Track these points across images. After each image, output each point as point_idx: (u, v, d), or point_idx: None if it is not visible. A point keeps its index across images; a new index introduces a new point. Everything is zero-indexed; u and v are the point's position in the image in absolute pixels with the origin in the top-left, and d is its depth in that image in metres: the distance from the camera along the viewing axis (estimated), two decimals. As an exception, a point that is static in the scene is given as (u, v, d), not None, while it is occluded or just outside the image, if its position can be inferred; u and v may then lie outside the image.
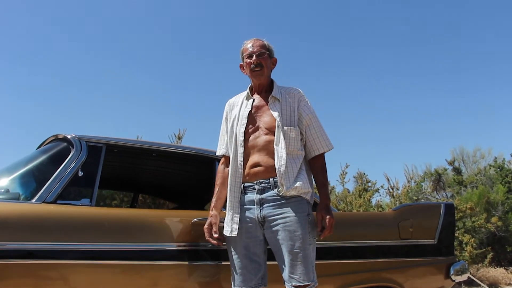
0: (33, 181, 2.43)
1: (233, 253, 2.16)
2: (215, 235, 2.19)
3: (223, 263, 2.36)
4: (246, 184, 2.17)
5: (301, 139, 2.24)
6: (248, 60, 2.26)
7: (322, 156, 2.27)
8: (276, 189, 2.11)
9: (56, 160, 2.37)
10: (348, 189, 9.94)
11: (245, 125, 2.22)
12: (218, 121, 2.45)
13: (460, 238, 8.60)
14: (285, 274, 2.07)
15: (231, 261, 2.18)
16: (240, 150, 2.20)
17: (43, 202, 2.14)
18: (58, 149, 2.47)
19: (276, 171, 2.10)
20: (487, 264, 8.71)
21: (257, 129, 2.22)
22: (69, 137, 2.42)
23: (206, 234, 2.21)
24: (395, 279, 3.10)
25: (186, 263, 2.30)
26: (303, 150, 2.24)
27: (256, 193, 2.14)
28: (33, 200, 2.13)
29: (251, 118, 2.24)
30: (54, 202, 2.16)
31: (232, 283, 2.17)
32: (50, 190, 2.18)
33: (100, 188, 4.43)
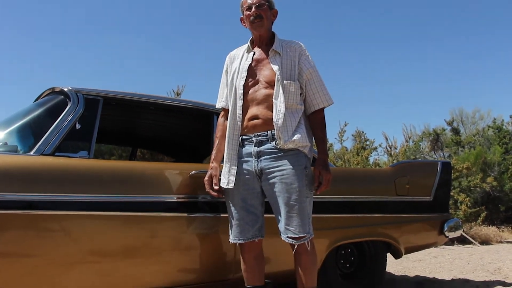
0: (31, 134, 2.43)
1: (230, 205, 2.19)
2: (216, 187, 2.21)
3: (222, 215, 2.39)
4: (244, 137, 2.17)
5: (300, 94, 2.22)
6: (248, 12, 2.21)
7: (321, 111, 2.25)
8: (274, 142, 2.11)
9: (53, 113, 2.35)
10: (346, 147, 9.98)
11: (245, 78, 2.20)
12: (217, 77, 2.42)
13: (455, 197, 8.72)
14: (281, 226, 2.10)
15: (229, 212, 2.21)
16: (239, 103, 2.18)
17: (41, 154, 2.13)
18: (55, 102, 2.45)
19: (274, 124, 2.10)
20: (480, 223, 8.88)
21: (256, 82, 2.20)
22: (65, 89, 2.39)
23: (207, 186, 2.23)
24: (390, 234, 3.16)
25: (185, 215, 2.33)
26: (302, 104, 2.22)
27: (254, 146, 2.14)
28: (31, 153, 2.13)
29: (251, 71, 2.21)
30: (52, 154, 2.16)
31: (230, 234, 2.21)
32: (48, 143, 2.17)
33: (98, 143, 4.44)
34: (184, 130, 3.47)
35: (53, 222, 2.01)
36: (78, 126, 2.28)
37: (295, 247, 2.08)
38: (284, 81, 2.14)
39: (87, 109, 2.34)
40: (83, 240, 2.06)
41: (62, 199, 2.04)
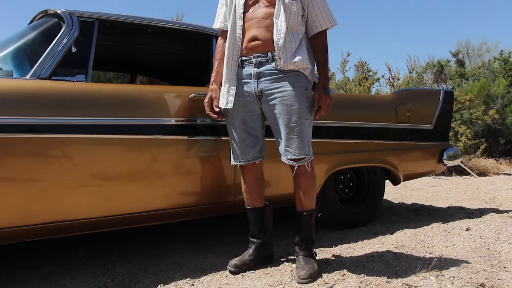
0: (26, 58, 2.37)
1: (231, 127, 2.18)
2: (216, 109, 2.19)
3: (222, 138, 2.40)
4: (243, 58, 2.12)
5: (302, 15, 2.14)
6: None
7: (324, 33, 2.18)
8: (274, 63, 2.07)
9: (47, 36, 2.28)
10: (348, 78, 9.88)
11: None
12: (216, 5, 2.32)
13: (456, 129, 8.75)
14: (281, 148, 2.10)
15: (230, 135, 2.21)
16: (239, 22, 2.11)
17: (38, 78, 2.10)
18: (49, 25, 2.37)
19: (274, 44, 2.04)
20: (479, 155, 8.98)
21: (257, 1, 2.11)
22: (59, 12, 2.31)
23: (207, 108, 2.21)
24: (389, 161, 3.19)
25: (185, 138, 2.33)
26: (304, 26, 2.15)
27: (254, 67, 2.10)
28: (27, 77, 2.09)
29: None
30: (49, 78, 2.12)
31: (231, 156, 2.22)
32: (44, 66, 2.13)
33: (96, 69, 4.39)
34: (184, 54, 3.40)
35: (53, 145, 2.01)
36: (74, 49, 2.22)
37: (295, 168, 2.09)
38: (286, 0, 2.06)
39: (82, 32, 2.27)
40: (83, 163, 2.06)
41: (62, 123, 2.02)
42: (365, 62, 9.94)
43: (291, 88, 2.04)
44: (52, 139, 2.00)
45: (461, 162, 7.77)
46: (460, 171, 7.97)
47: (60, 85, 2.12)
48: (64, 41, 2.21)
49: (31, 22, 2.71)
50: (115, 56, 3.46)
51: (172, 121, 2.31)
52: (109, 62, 3.67)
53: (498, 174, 8.53)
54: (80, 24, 2.28)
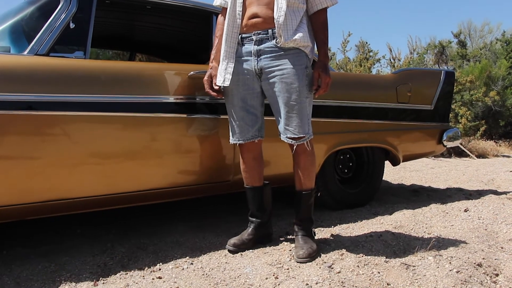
0: (23, 34, 2.34)
1: (230, 105, 2.16)
2: (215, 87, 2.17)
3: (221, 116, 2.38)
4: (243, 35, 2.09)
5: None
6: None
7: (324, 11, 2.15)
8: (274, 40, 2.04)
9: (45, 12, 2.24)
10: (348, 58, 9.81)
11: None
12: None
13: (456, 111, 8.73)
14: (281, 126, 2.09)
15: (229, 113, 2.19)
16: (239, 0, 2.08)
17: (36, 54, 2.07)
18: (46, 0, 2.33)
19: (275, 21, 2.01)
20: (479, 137, 8.98)
21: None
22: None
23: (206, 86, 2.19)
24: (389, 141, 3.18)
25: (185, 116, 2.31)
26: (304, 4, 2.11)
27: (254, 44, 2.07)
28: (25, 53, 2.06)
29: None
30: (47, 54, 2.09)
31: (230, 134, 2.21)
32: (42, 42, 2.09)
33: (95, 47, 4.33)
34: (183, 32, 3.35)
35: (51, 122, 1.99)
36: (72, 25, 2.19)
37: (294, 147, 2.09)
38: None
39: (80, 8, 2.23)
40: (81, 141, 2.05)
41: (59, 100, 2.00)
42: (366, 43, 9.86)
43: (291, 66, 2.02)
44: (50, 116, 1.98)
45: (461, 143, 7.77)
46: (459, 153, 7.98)
47: (58, 61, 2.09)
48: (62, 17, 2.17)
49: (27, -3, 2.66)
50: (114, 33, 3.41)
51: (172, 99, 2.29)
52: (108, 40, 3.62)
53: (497, 156, 8.54)
54: (78, 0, 2.24)
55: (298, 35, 2.02)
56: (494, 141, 9.68)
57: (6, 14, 2.51)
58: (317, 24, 2.14)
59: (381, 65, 9.94)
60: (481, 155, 8.27)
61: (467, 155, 7.98)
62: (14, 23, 2.39)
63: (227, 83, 2.09)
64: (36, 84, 1.96)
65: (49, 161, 1.98)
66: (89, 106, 2.06)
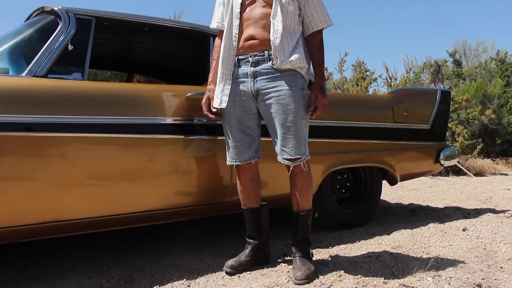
0: (21, 55, 2.35)
1: (227, 126, 2.17)
2: (213, 110, 2.18)
3: (218, 137, 2.39)
4: (240, 57, 2.11)
5: (299, 15, 2.13)
6: None
7: (320, 33, 2.18)
8: (271, 62, 2.06)
9: (43, 33, 2.27)
10: (345, 77, 9.89)
11: None
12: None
13: (453, 129, 8.77)
14: (277, 147, 2.09)
15: (226, 134, 2.19)
16: (236, 22, 2.10)
17: (34, 76, 2.08)
18: (45, 22, 2.36)
19: (271, 43, 2.03)
20: (476, 155, 9.00)
21: (254, 1, 2.11)
22: (56, 9, 2.29)
23: (204, 108, 2.20)
24: (386, 161, 3.19)
25: (182, 137, 2.32)
26: (300, 26, 2.14)
27: (250, 66, 2.09)
28: (23, 74, 2.08)
29: None
30: (45, 76, 2.10)
31: (227, 155, 2.20)
32: (40, 64, 2.11)
33: (92, 68, 4.36)
34: (181, 53, 3.38)
35: (48, 144, 1.99)
36: (70, 47, 2.21)
37: (291, 168, 2.08)
38: (283, 0, 2.05)
39: (79, 29, 2.25)
40: (79, 162, 2.05)
41: (57, 121, 2.01)
42: (363, 62, 9.96)
43: (288, 88, 2.03)
44: (48, 137, 1.98)
45: (458, 162, 7.78)
46: (457, 171, 7.99)
47: (56, 83, 2.10)
48: (61, 38, 2.19)
49: (27, 19, 2.69)
50: (112, 54, 3.44)
51: (169, 120, 2.30)
52: (106, 60, 3.65)
53: (494, 174, 8.55)
54: (77, 22, 2.26)
55: (294, 57, 2.04)
56: (491, 159, 9.70)
57: (5, 36, 2.53)
58: (313, 45, 2.16)
59: (377, 85, 10.02)
60: (479, 173, 8.28)
61: (464, 173, 7.98)
62: (14, 45, 2.41)
63: (224, 105, 2.10)
64: (34, 106, 1.97)
65: (45, 182, 1.98)
66: (86, 128, 2.07)
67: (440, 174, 7.68)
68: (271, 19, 2.05)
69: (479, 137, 9.87)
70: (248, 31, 2.09)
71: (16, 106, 1.93)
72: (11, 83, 2.00)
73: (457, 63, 13.69)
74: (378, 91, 9.61)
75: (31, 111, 1.95)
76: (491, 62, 14.17)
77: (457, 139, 8.56)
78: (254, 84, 2.08)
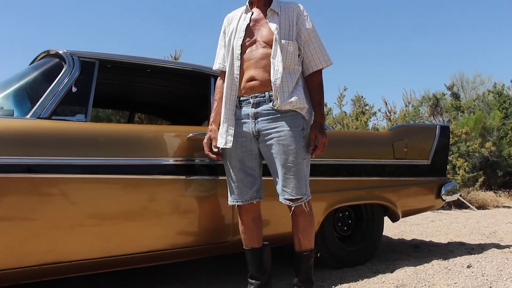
0: (27, 97, 2.40)
1: (229, 166, 2.19)
2: (215, 150, 2.20)
3: (220, 177, 2.40)
4: (241, 98, 2.16)
5: (299, 55, 2.18)
6: None
7: (319, 73, 2.22)
8: (271, 103, 2.09)
9: (48, 76, 2.32)
10: (345, 112, 9.97)
11: (243, 38, 2.16)
12: (216, 41, 2.38)
13: (454, 162, 8.76)
14: (279, 188, 2.11)
15: (227, 174, 2.21)
16: (237, 63, 2.15)
17: (38, 118, 2.12)
18: (50, 65, 2.41)
19: (272, 84, 2.07)
20: (478, 188, 8.95)
21: (254, 42, 2.16)
22: (61, 52, 2.35)
23: (206, 148, 2.22)
24: (388, 198, 3.18)
25: (183, 177, 2.34)
26: (300, 65, 2.19)
27: (251, 107, 2.12)
28: (28, 116, 2.12)
29: (249, 31, 2.17)
30: (49, 118, 2.14)
31: (229, 196, 2.22)
32: (45, 106, 2.15)
33: (96, 107, 4.43)
34: (182, 93, 3.44)
35: (52, 185, 2.01)
36: (74, 89, 2.25)
37: (292, 208, 2.09)
38: (282, 41, 2.11)
39: (83, 72, 2.31)
40: (82, 203, 2.06)
41: (60, 163, 2.03)
42: (362, 96, 10.06)
43: (288, 128, 2.06)
44: (51, 179, 2.00)
45: (460, 195, 7.74)
46: (459, 204, 7.94)
47: (59, 125, 2.14)
48: (65, 81, 2.24)
49: (33, 62, 2.75)
50: (115, 94, 3.50)
51: (171, 161, 2.32)
52: (109, 100, 3.70)
53: (497, 207, 8.48)
54: (81, 64, 2.32)
55: (294, 98, 2.08)
56: (494, 192, 9.64)
57: (11, 78, 2.58)
58: (313, 85, 2.21)
59: (377, 119, 10.10)
60: (481, 206, 8.21)
61: (467, 207, 7.93)
62: (19, 87, 2.46)
63: (229, 145, 2.13)
64: (38, 147, 2.00)
65: (47, 223, 1.98)
66: (89, 169, 2.09)
67: (442, 207, 7.61)
68: (271, 59, 2.10)
69: (480, 169, 9.85)
70: (249, 72, 2.14)
71: (20, 148, 1.96)
72: (16, 125, 2.04)
73: (455, 96, 13.84)
74: (377, 125, 9.68)
75: (35, 153, 1.99)
76: (488, 94, 14.30)
77: (458, 172, 8.54)
78: (255, 125, 2.11)
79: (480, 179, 9.01)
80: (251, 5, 2.26)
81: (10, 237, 1.91)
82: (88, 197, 2.08)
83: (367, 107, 9.86)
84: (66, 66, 2.28)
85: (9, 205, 1.91)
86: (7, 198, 1.91)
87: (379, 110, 10.14)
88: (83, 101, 2.29)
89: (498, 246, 3.68)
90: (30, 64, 2.76)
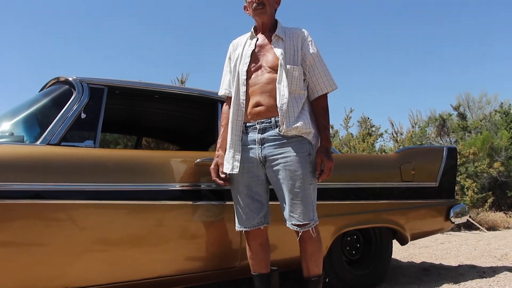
0: (37, 124, 2.44)
1: (236, 192, 2.19)
2: (222, 175, 2.21)
3: (227, 203, 2.40)
4: (248, 124, 2.17)
5: (304, 80, 2.21)
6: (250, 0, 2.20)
7: (325, 97, 2.24)
8: (277, 129, 2.11)
9: (58, 102, 2.36)
10: (351, 134, 9.96)
11: (248, 63, 2.19)
12: (221, 67, 2.41)
13: (462, 183, 8.69)
14: (286, 213, 2.10)
15: (234, 200, 2.21)
16: (242, 89, 2.18)
17: (48, 144, 2.15)
18: (60, 91, 2.46)
19: (278, 109, 2.09)
20: (487, 209, 8.85)
21: (259, 67, 2.19)
22: (70, 79, 2.40)
23: (213, 174, 2.23)
24: (396, 221, 3.16)
25: (191, 203, 2.34)
26: (305, 90, 2.21)
27: (258, 133, 2.14)
28: (38, 143, 2.15)
29: (254, 57, 2.20)
30: (58, 144, 2.17)
31: (236, 221, 2.22)
32: (54, 132, 2.18)
33: (104, 132, 4.45)
34: (189, 118, 3.47)
35: (60, 211, 2.03)
36: (83, 115, 2.29)
37: (300, 233, 2.08)
38: (287, 66, 2.13)
39: (92, 98, 2.35)
40: (90, 229, 2.08)
41: (69, 189, 2.05)
42: (368, 118, 10.07)
43: (295, 154, 2.07)
44: (60, 205, 2.02)
45: (469, 216, 7.65)
46: (469, 226, 7.84)
47: (68, 151, 2.17)
48: (74, 107, 2.27)
49: (42, 88, 2.79)
50: (123, 119, 3.54)
51: (179, 186, 2.33)
52: (117, 125, 3.74)
53: (508, 228, 8.36)
54: (90, 91, 2.35)
55: (300, 123, 2.09)
56: (504, 212, 9.52)
57: (22, 105, 2.62)
58: (318, 109, 2.22)
59: (383, 140, 10.05)
60: (492, 228, 8.10)
61: (477, 228, 7.83)
62: (29, 114, 2.50)
63: (236, 171, 2.13)
64: (47, 174, 2.03)
65: (55, 249, 2.00)
66: (97, 195, 2.11)
67: (451, 229, 7.52)
68: (277, 84, 2.12)
69: (489, 190, 9.75)
70: (255, 98, 2.16)
71: (30, 174, 1.99)
72: (25, 151, 2.07)
73: (462, 116, 13.81)
74: (384, 146, 9.65)
75: (45, 179, 2.01)
76: (495, 114, 14.26)
77: (466, 193, 8.46)
78: (261, 151, 2.12)
79: (490, 200, 8.91)
80: (256, 31, 2.29)
81: (18, 263, 1.92)
82: (97, 223, 2.09)
83: (373, 129, 9.85)
84: (75, 93, 2.32)
85: (19, 231, 1.93)
86: (16, 223, 1.93)
87: (386, 131, 10.12)
88: (92, 127, 2.32)
89: (510, 269, 3.62)
90: (40, 91, 2.81)
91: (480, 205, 8.75)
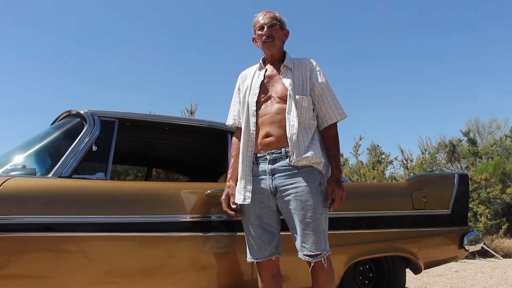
0: (48, 156, 2.47)
1: (247, 223, 2.19)
2: (233, 206, 2.21)
3: (238, 234, 2.39)
4: (258, 155, 2.18)
5: (313, 109, 2.22)
6: (260, 32, 2.25)
7: (334, 126, 2.25)
8: (288, 159, 2.11)
9: (70, 135, 2.39)
10: (361, 161, 9.91)
11: (257, 94, 2.21)
12: (230, 94, 2.44)
13: (474, 209, 8.56)
14: (297, 244, 2.09)
15: (246, 231, 2.20)
16: (252, 119, 2.19)
17: (59, 176, 2.17)
18: (72, 124, 2.50)
19: (288, 140, 2.10)
20: (502, 235, 8.67)
21: (269, 98, 2.21)
22: (82, 112, 2.44)
23: (224, 205, 2.23)
24: (408, 249, 3.11)
25: (202, 234, 2.34)
26: (315, 119, 2.22)
27: (268, 163, 2.14)
28: (49, 175, 2.17)
29: (263, 88, 2.23)
30: (69, 176, 2.20)
31: (248, 252, 2.20)
32: (66, 165, 2.21)
33: (114, 163, 4.49)
34: (199, 149, 3.49)
35: (71, 244, 2.03)
36: (94, 148, 2.32)
37: (312, 264, 2.06)
38: (297, 96, 2.15)
39: (103, 131, 2.38)
40: (101, 261, 2.08)
41: (80, 221, 2.07)
42: (378, 145, 10.03)
43: (305, 184, 2.07)
44: (71, 237, 2.03)
45: (484, 243, 7.50)
46: (483, 253, 7.68)
47: (80, 183, 2.19)
48: (86, 140, 2.31)
49: (54, 121, 2.84)
50: (134, 151, 3.57)
51: (189, 218, 2.33)
52: (128, 157, 3.77)
53: (524, 255, 8.18)
54: (101, 124, 2.39)
55: (310, 153, 2.09)
56: (519, 239, 9.32)
57: (34, 138, 2.67)
58: (328, 138, 2.23)
59: (394, 167, 9.98)
60: (507, 255, 7.92)
61: (492, 255, 7.66)
62: (41, 147, 2.54)
63: (247, 201, 2.13)
64: (59, 206, 2.05)
65: (66, 281, 2.00)
66: (108, 227, 2.12)
67: (466, 257, 7.37)
68: (286, 115, 2.14)
69: (502, 216, 9.57)
70: (264, 129, 2.17)
71: (42, 207, 2.01)
72: (37, 184, 2.09)
73: (472, 142, 13.71)
74: (395, 173, 9.58)
75: (56, 212, 2.03)
76: (506, 139, 14.16)
77: (480, 220, 8.32)
78: (272, 181, 2.12)
79: (504, 226, 8.74)
80: (265, 62, 2.33)
81: None
82: (108, 255, 2.10)
83: (383, 156, 9.80)
84: (87, 126, 2.36)
85: (30, 264, 1.94)
86: (28, 256, 1.94)
87: (396, 159, 10.05)
88: (103, 160, 2.35)
89: (528, 299, 3.53)
90: (51, 124, 2.85)
91: (494, 232, 8.59)
